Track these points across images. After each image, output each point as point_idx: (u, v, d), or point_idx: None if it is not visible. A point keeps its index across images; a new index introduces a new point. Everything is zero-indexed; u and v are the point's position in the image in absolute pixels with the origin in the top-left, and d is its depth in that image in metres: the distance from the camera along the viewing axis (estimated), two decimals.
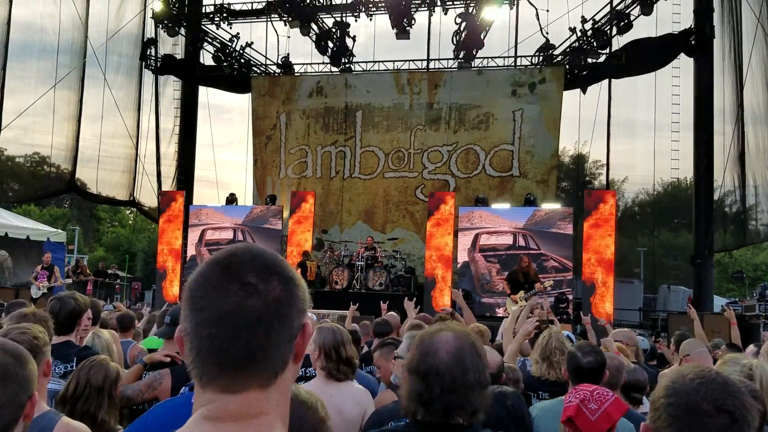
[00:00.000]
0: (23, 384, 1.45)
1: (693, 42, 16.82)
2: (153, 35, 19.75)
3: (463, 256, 14.58)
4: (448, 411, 1.68)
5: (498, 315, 13.34)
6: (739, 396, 1.13)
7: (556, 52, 18.06)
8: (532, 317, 4.92)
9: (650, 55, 16.96)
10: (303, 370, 3.52)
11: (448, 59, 18.99)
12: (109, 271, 18.00)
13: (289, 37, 19.77)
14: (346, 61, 19.29)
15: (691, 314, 6.64)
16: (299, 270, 12.69)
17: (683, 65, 17.80)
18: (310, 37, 18.45)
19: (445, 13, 19.00)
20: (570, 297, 13.51)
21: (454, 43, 18.29)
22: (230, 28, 19.77)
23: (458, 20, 17.79)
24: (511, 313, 5.46)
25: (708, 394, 1.12)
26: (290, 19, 17.98)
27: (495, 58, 18.68)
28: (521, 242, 14.23)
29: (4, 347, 1.48)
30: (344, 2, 19.33)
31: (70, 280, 14.44)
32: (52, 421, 2.16)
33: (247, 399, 0.94)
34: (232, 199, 16.54)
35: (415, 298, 6.91)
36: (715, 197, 17.10)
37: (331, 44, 18.79)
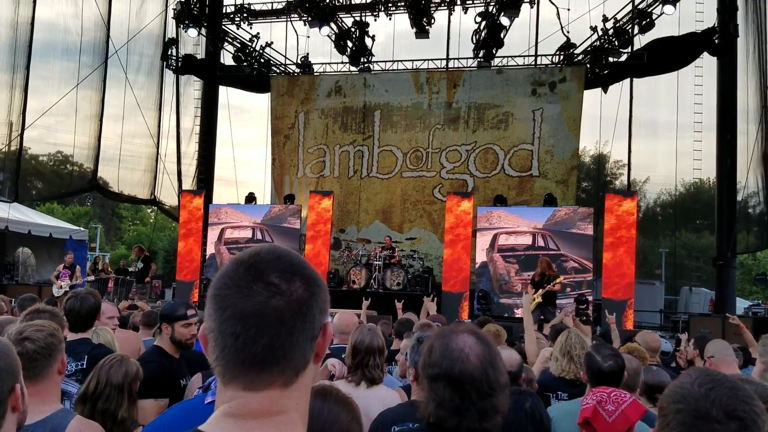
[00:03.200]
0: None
1: (716, 41, 16.58)
2: (174, 35, 19.93)
3: (481, 257, 14.52)
4: (484, 416, 1.65)
5: (516, 315, 13.29)
6: (749, 401, 1.11)
7: (577, 51, 17.91)
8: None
9: (672, 55, 16.75)
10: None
11: (467, 58, 18.92)
12: (130, 269, 18.17)
13: (308, 36, 19.85)
14: (365, 60, 19.30)
15: (734, 321, 6.31)
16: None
17: (706, 64, 17.57)
18: (330, 37, 18.49)
19: (465, 12, 18.95)
20: (590, 298, 13.39)
21: (474, 42, 18.22)
22: (250, 28, 19.89)
23: (478, 19, 17.73)
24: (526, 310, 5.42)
25: (717, 399, 1.10)
26: (310, 18, 18.03)
27: (515, 57, 18.58)
28: (540, 242, 14.13)
29: None
30: (364, 2, 19.35)
31: (92, 278, 14.61)
32: (64, 421, 2.14)
33: (268, 397, 0.96)
34: (251, 198, 16.64)
35: (434, 298, 6.90)
36: (738, 198, 16.84)
37: (350, 44, 18.81)
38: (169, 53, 19.63)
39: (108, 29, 19.46)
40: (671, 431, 1.10)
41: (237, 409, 0.96)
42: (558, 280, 10.89)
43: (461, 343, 1.71)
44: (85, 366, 3.36)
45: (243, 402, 0.96)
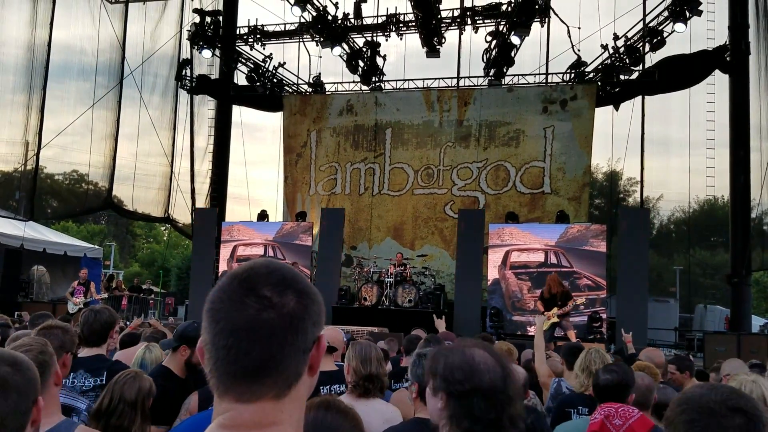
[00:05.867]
0: (23, 391, 1.40)
1: (728, 58, 16.57)
2: (188, 56, 20.21)
3: (493, 273, 14.47)
4: (513, 424, 1.66)
5: (529, 333, 13.20)
6: (750, 399, 1.13)
7: (588, 69, 17.95)
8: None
9: (684, 72, 16.75)
10: (328, 387, 3.52)
11: (478, 77, 19.03)
12: (144, 287, 18.32)
13: (320, 56, 20.08)
14: (377, 79, 19.47)
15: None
16: None
17: (718, 82, 17.54)
18: (341, 57, 18.68)
19: (476, 32, 19.10)
20: (604, 316, 13.29)
21: (485, 60, 18.32)
22: (263, 48, 20.15)
23: (488, 38, 17.85)
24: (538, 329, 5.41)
25: (720, 395, 1.12)
26: (322, 39, 18.23)
27: (526, 75, 18.66)
28: (553, 260, 14.06)
29: (0, 356, 1.44)
30: (375, 22, 19.56)
31: (106, 295, 14.71)
32: (69, 430, 2.15)
33: (261, 408, 0.97)
34: (263, 216, 16.72)
35: (444, 316, 6.86)
36: (752, 215, 16.72)
37: (361, 63, 18.99)
38: (183, 73, 19.90)
39: (123, 50, 19.80)
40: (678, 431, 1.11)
41: (230, 421, 0.97)
42: (571, 302, 10.88)
43: (479, 356, 1.72)
44: (104, 381, 3.31)
45: (236, 414, 0.97)
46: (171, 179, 21.39)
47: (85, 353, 3.53)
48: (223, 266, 16.26)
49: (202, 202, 21.41)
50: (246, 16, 20.96)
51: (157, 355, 3.88)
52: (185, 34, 20.15)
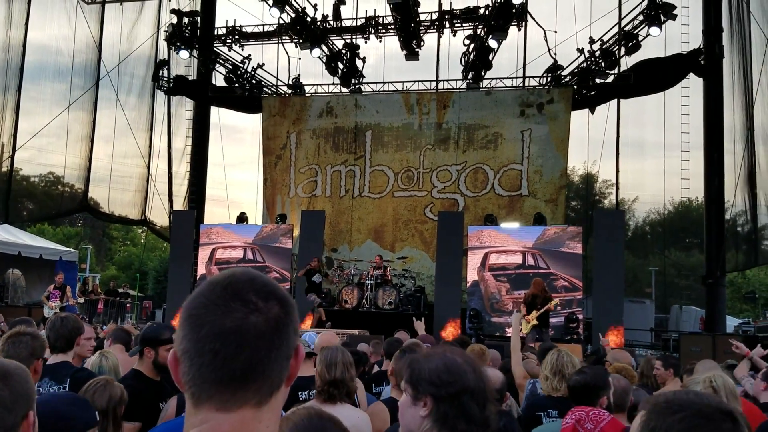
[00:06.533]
0: (9, 406, 1.34)
1: (702, 62, 16.85)
2: (165, 56, 20.06)
3: (472, 275, 14.56)
4: (493, 422, 1.71)
5: (507, 334, 13.29)
6: (726, 403, 1.17)
7: (565, 72, 18.14)
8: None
9: (659, 75, 16.99)
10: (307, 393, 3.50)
11: (456, 80, 19.14)
12: (120, 290, 18.10)
13: (299, 58, 20.04)
14: (356, 82, 19.48)
15: (739, 348, 5.62)
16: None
17: (692, 85, 17.83)
18: (321, 59, 18.66)
19: (454, 35, 19.21)
20: (580, 317, 13.44)
21: (463, 64, 18.45)
22: (242, 49, 20.06)
23: (467, 42, 17.97)
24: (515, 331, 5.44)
25: (710, 401, 1.15)
26: (301, 41, 18.20)
27: (503, 78, 18.80)
28: (531, 261, 14.20)
29: None
30: (354, 24, 19.58)
31: (82, 300, 14.54)
32: None
33: (241, 418, 0.95)
34: (242, 218, 16.64)
35: (423, 318, 6.87)
36: (727, 217, 16.99)
37: (341, 65, 18.99)
38: (161, 74, 19.75)
39: (99, 51, 19.59)
40: None
41: None
42: (552, 302, 10.97)
43: (460, 358, 1.77)
44: (67, 389, 3.28)
45: (215, 425, 0.94)
46: (148, 181, 21.20)
47: (51, 360, 3.51)
48: (201, 269, 16.15)
49: (180, 204, 21.24)
50: (224, 17, 20.79)
51: (114, 362, 3.82)
52: (162, 35, 20.00)
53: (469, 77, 18.53)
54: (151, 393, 3.29)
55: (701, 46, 17.01)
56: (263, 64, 19.83)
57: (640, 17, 16.27)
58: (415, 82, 19.36)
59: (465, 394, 1.69)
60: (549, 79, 18.28)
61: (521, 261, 14.29)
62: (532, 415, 3.60)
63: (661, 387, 5.04)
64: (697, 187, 18.53)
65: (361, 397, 3.66)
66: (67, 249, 20.53)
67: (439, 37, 19.60)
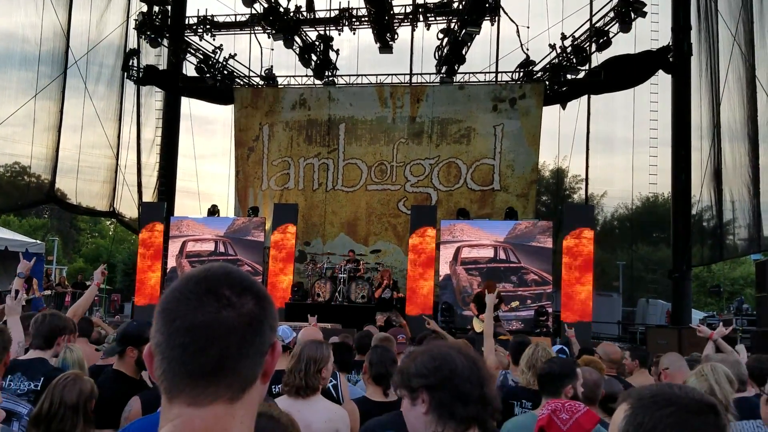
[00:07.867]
0: None
1: (671, 59, 17.12)
2: (135, 46, 19.71)
3: (444, 269, 14.63)
4: (490, 401, 1.74)
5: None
6: (708, 396, 1.20)
7: (537, 68, 18.31)
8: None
9: (629, 72, 17.23)
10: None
11: (430, 74, 19.18)
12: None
13: (272, 49, 19.89)
14: (330, 74, 19.41)
15: (702, 331, 5.47)
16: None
17: (661, 82, 18.13)
18: (294, 50, 18.53)
19: (428, 29, 19.26)
20: (549, 310, 13.61)
21: (437, 58, 18.49)
22: (213, 39, 19.84)
23: (440, 36, 18.01)
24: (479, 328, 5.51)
25: (695, 394, 1.17)
26: (273, 31, 18.05)
27: (476, 73, 18.90)
28: (502, 255, 14.32)
29: None
30: (327, 16, 19.48)
31: (48, 292, 14.28)
32: None
33: (213, 413, 0.94)
34: (213, 211, 16.46)
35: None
36: (693, 212, 17.34)
37: (314, 57, 18.90)
38: (131, 64, 19.42)
39: (68, 39, 19.13)
40: None
41: (180, 428, 0.93)
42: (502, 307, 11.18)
43: (443, 347, 1.82)
44: (39, 388, 3.20)
45: (186, 420, 0.93)
46: (117, 172, 20.84)
47: (27, 355, 3.44)
48: (171, 262, 15.95)
49: (149, 196, 20.94)
50: (195, 6, 20.55)
51: (79, 356, 3.72)
52: (132, 23, 19.65)
53: (442, 71, 18.59)
54: (132, 395, 3.07)
55: (670, 44, 17.29)
56: (235, 55, 19.66)
57: (611, 14, 16.47)
58: (388, 75, 19.36)
59: (456, 377, 1.70)
60: (521, 74, 18.43)
61: (493, 255, 14.40)
62: (505, 404, 3.63)
63: (629, 377, 5.16)
64: (664, 183, 18.90)
65: (344, 390, 3.66)
66: (34, 241, 20.13)
67: (413, 30, 19.64)
